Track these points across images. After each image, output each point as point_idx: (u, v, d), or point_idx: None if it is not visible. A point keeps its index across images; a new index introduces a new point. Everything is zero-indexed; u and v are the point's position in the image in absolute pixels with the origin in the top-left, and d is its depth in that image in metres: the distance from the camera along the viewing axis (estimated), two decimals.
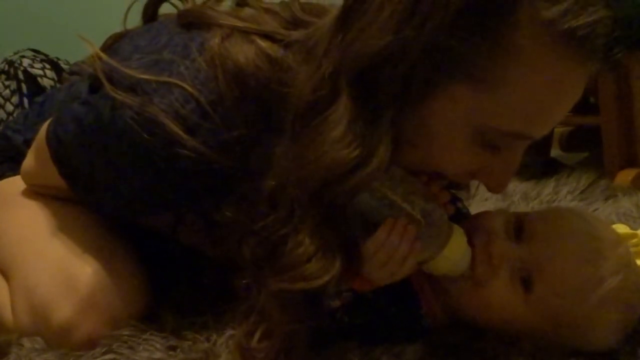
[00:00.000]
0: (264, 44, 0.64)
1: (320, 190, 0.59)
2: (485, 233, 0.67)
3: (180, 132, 0.62)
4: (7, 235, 0.80)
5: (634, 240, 0.74)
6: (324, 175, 0.58)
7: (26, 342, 0.70)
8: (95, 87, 0.71)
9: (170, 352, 0.66)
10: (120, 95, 0.63)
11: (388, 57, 0.57)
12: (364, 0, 0.59)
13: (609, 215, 1.12)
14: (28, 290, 0.72)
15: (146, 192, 0.69)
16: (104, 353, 0.66)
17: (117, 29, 0.94)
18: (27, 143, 0.89)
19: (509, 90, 0.58)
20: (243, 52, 0.64)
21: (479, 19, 0.55)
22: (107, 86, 0.64)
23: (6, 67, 1.21)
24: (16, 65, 1.20)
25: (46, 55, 1.25)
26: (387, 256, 0.61)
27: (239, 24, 0.66)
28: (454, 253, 0.64)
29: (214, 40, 0.64)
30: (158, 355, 0.66)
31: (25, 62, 1.21)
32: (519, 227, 0.68)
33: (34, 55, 1.23)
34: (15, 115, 1.14)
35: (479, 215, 0.72)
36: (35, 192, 0.83)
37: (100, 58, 0.67)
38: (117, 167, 0.68)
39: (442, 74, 0.58)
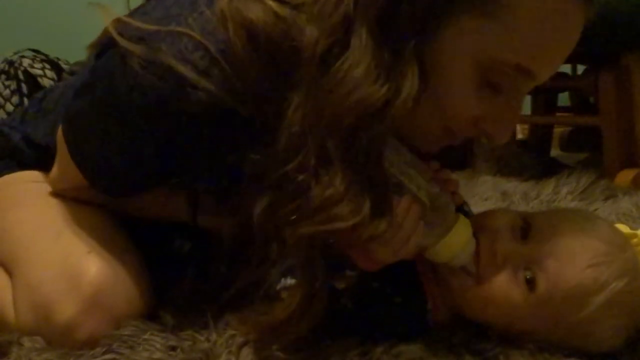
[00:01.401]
0: (271, 3, 0.64)
1: (354, 127, 0.59)
2: (490, 231, 0.67)
3: (192, 73, 0.62)
4: (11, 233, 0.80)
5: (634, 240, 0.74)
6: (357, 111, 0.59)
7: (26, 342, 0.70)
8: (100, 56, 0.71)
9: (170, 352, 0.66)
10: (130, 46, 0.63)
11: None
12: None
13: (609, 215, 1.13)
14: (31, 288, 0.72)
15: (162, 155, 0.68)
16: (104, 353, 0.66)
17: None
18: (26, 139, 0.89)
19: (512, 20, 0.60)
20: (252, 10, 0.64)
21: None
22: (118, 38, 0.64)
23: (6, 67, 1.21)
24: (16, 65, 1.20)
25: (46, 55, 1.25)
26: (391, 232, 0.61)
27: None
28: (457, 241, 0.64)
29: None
30: (158, 355, 0.66)
31: (25, 62, 1.21)
32: (525, 227, 0.68)
33: (34, 55, 1.23)
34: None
35: (485, 214, 0.73)
36: (41, 191, 0.82)
37: (112, 17, 0.67)
38: (132, 130, 0.67)
39: (449, 6, 0.59)
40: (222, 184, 0.72)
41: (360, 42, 0.60)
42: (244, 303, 0.71)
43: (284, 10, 0.64)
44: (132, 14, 0.72)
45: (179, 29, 0.63)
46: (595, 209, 1.19)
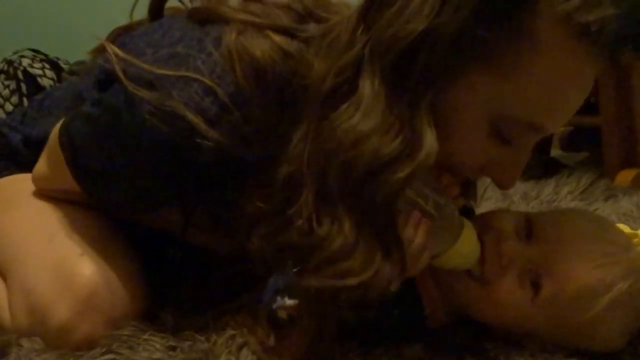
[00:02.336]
0: (278, 38, 0.64)
1: (364, 177, 0.59)
2: (495, 232, 0.67)
3: (201, 123, 0.62)
4: (6, 236, 0.80)
5: (635, 240, 0.74)
6: (367, 162, 0.58)
7: (25, 343, 0.70)
8: (104, 84, 0.71)
9: (170, 352, 0.66)
10: (138, 91, 0.63)
11: (421, 43, 0.58)
12: None
13: (609, 215, 1.12)
14: (26, 292, 0.72)
15: (164, 185, 0.68)
16: (104, 353, 0.66)
17: None
18: (25, 141, 0.89)
19: (524, 78, 0.59)
20: (259, 47, 0.63)
21: (502, 5, 0.57)
22: (125, 82, 0.64)
23: (6, 67, 1.21)
24: (16, 65, 1.20)
25: (46, 55, 1.25)
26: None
27: (253, 19, 0.66)
28: (465, 247, 0.65)
29: (229, 35, 0.64)
30: (158, 355, 0.66)
31: (25, 62, 1.21)
32: (529, 227, 0.68)
33: (33, 55, 1.23)
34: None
35: (488, 214, 0.72)
36: (37, 193, 0.82)
37: (116, 55, 0.67)
38: (136, 164, 0.67)
39: (463, 60, 0.59)
40: (219, 210, 0.72)
41: (372, 89, 0.59)
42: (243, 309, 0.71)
43: (291, 46, 0.64)
44: (135, 41, 0.72)
45: (189, 74, 0.63)
46: (596, 209, 1.19)
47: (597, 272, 0.64)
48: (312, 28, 0.67)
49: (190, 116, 0.61)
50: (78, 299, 0.68)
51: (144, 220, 0.81)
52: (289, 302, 0.64)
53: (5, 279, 0.77)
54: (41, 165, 0.80)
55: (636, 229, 0.77)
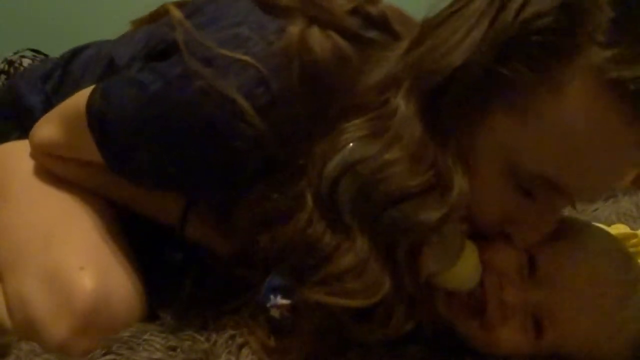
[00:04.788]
0: (341, 42, 0.64)
1: (384, 204, 0.58)
2: (496, 275, 0.64)
3: (250, 110, 0.61)
4: (4, 234, 0.77)
5: (634, 241, 0.74)
6: (391, 190, 0.58)
7: (25, 344, 0.70)
8: (159, 55, 0.70)
9: (170, 352, 0.66)
10: (195, 65, 0.62)
11: (454, 78, 0.57)
12: (443, 21, 0.60)
13: (609, 215, 1.12)
14: (23, 302, 0.69)
15: (192, 168, 0.67)
16: (104, 354, 0.66)
17: (119, 28, 0.93)
18: (46, 102, 0.86)
19: (544, 126, 0.56)
20: (320, 47, 0.63)
21: (537, 50, 0.55)
22: (186, 54, 0.63)
23: (6, 67, 1.20)
24: (16, 65, 1.20)
25: (46, 55, 1.24)
26: None
27: (320, 15, 0.65)
28: (466, 269, 0.63)
29: (294, 28, 0.64)
30: (158, 355, 0.66)
31: (26, 62, 1.20)
32: (532, 266, 0.64)
33: (34, 55, 1.23)
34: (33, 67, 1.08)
35: (489, 248, 0.65)
36: (36, 170, 0.79)
37: (182, 24, 0.66)
38: (171, 137, 0.66)
39: (488, 101, 0.57)
40: (225, 206, 0.71)
41: (407, 116, 0.59)
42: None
43: (350, 51, 0.64)
44: (203, 12, 0.70)
45: (248, 58, 0.62)
46: (595, 209, 1.19)
47: (604, 320, 0.62)
48: (375, 36, 0.66)
49: (241, 100, 0.61)
50: (78, 317, 0.66)
51: (143, 206, 0.80)
52: (282, 301, 0.64)
53: (1, 280, 0.74)
54: (52, 131, 0.77)
55: (636, 229, 0.77)
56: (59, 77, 0.91)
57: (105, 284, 0.68)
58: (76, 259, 0.70)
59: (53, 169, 0.80)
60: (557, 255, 0.64)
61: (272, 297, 0.65)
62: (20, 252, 0.74)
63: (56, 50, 1.29)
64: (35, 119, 0.83)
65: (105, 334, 0.67)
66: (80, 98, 0.72)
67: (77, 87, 0.79)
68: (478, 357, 0.65)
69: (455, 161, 0.58)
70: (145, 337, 0.67)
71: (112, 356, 0.66)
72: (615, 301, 0.62)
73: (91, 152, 0.71)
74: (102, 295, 0.67)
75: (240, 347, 0.67)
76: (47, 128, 0.78)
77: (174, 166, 0.68)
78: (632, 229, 0.77)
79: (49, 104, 0.86)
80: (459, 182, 0.57)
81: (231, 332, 0.69)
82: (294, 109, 0.63)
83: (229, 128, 0.62)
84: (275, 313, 0.65)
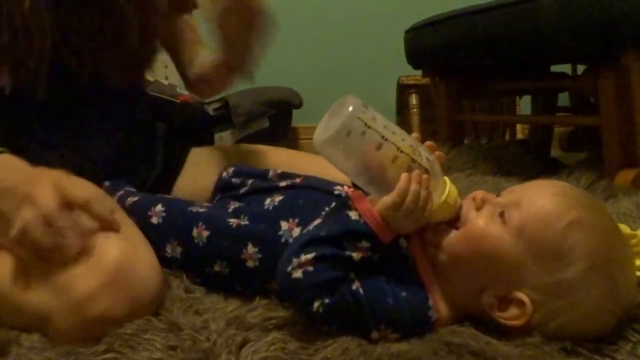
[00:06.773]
0: None
1: None
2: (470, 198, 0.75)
3: None
4: None
5: (634, 241, 0.74)
6: None
7: (25, 341, 0.70)
8: None
9: (170, 352, 0.66)
10: None
11: None
12: None
13: None
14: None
15: None
16: (105, 352, 0.66)
17: None
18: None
19: None
20: None
21: None
22: None
23: None
24: None
25: None
26: (413, 203, 0.68)
27: None
28: (452, 198, 0.72)
29: None
30: (158, 355, 0.66)
31: None
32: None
33: None
34: None
35: None
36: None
37: None
38: None
39: None
40: None
41: None
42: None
43: None
44: None
45: None
46: None
47: (555, 198, 0.70)
48: None
49: None
50: (104, 273, 0.71)
51: None
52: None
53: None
54: None
55: (636, 229, 0.77)
56: None
57: (132, 254, 0.74)
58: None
59: None
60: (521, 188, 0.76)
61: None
62: None
63: None
64: None
65: (126, 297, 0.71)
66: None
67: None
68: (478, 357, 0.65)
69: None
70: (146, 336, 0.68)
71: (113, 354, 0.66)
72: (562, 189, 0.73)
73: None
74: (128, 256, 0.73)
75: (240, 347, 0.67)
76: None
77: None
78: (632, 229, 0.77)
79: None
80: None
81: (231, 332, 0.70)
82: None
83: None
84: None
